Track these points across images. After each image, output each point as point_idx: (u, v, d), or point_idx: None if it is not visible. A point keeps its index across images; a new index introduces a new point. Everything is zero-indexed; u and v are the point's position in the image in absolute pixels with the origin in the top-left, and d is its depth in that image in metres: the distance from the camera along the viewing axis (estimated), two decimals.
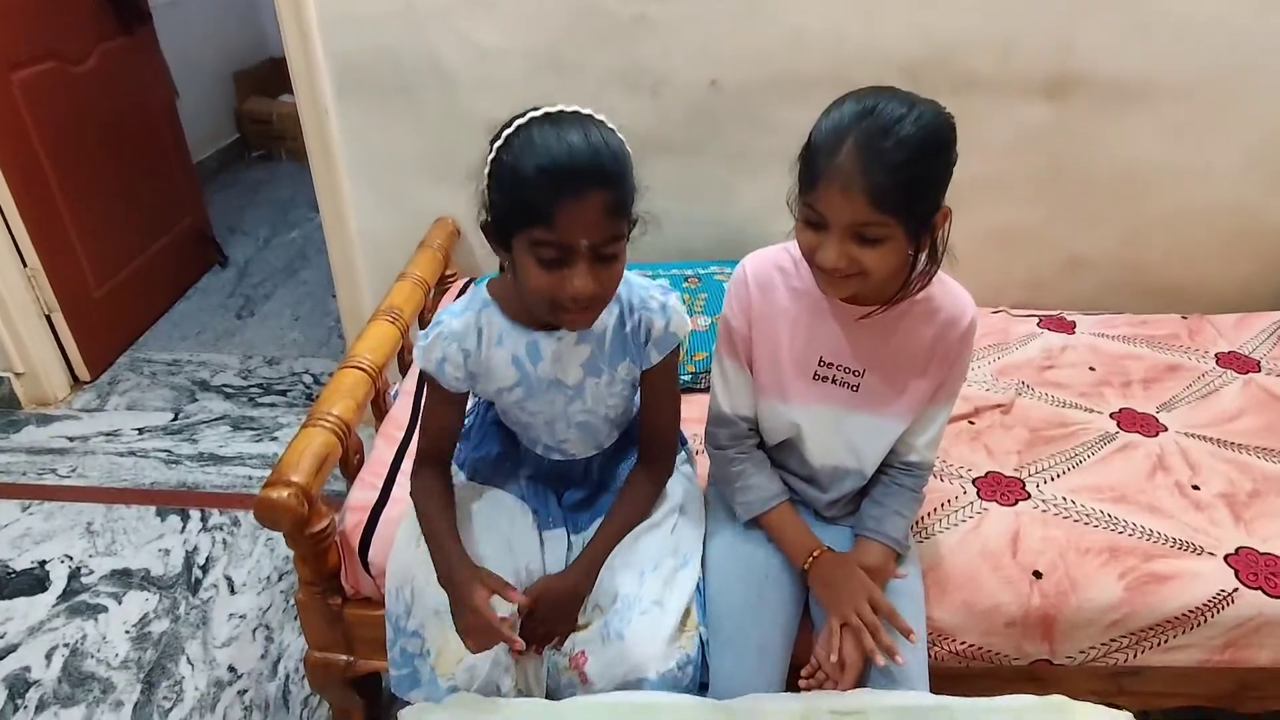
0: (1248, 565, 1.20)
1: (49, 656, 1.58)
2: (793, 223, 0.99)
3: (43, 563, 1.79)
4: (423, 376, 1.08)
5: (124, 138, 2.55)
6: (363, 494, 1.28)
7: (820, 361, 1.09)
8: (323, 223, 2.00)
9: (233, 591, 1.73)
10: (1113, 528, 1.26)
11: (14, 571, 1.76)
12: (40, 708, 1.48)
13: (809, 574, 1.08)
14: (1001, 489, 1.34)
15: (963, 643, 1.19)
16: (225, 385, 2.41)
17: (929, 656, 1.09)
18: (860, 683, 1.01)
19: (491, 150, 0.89)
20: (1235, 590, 1.17)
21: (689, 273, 1.76)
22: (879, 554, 1.09)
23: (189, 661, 1.57)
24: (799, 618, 1.13)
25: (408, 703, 1.05)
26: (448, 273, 1.86)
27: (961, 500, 1.31)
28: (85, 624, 1.65)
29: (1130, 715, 0.96)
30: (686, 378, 1.52)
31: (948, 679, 1.10)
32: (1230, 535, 1.26)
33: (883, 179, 0.87)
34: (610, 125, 0.90)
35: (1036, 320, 1.83)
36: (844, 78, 1.00)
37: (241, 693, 1.52)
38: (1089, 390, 1.60)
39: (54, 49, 2.25)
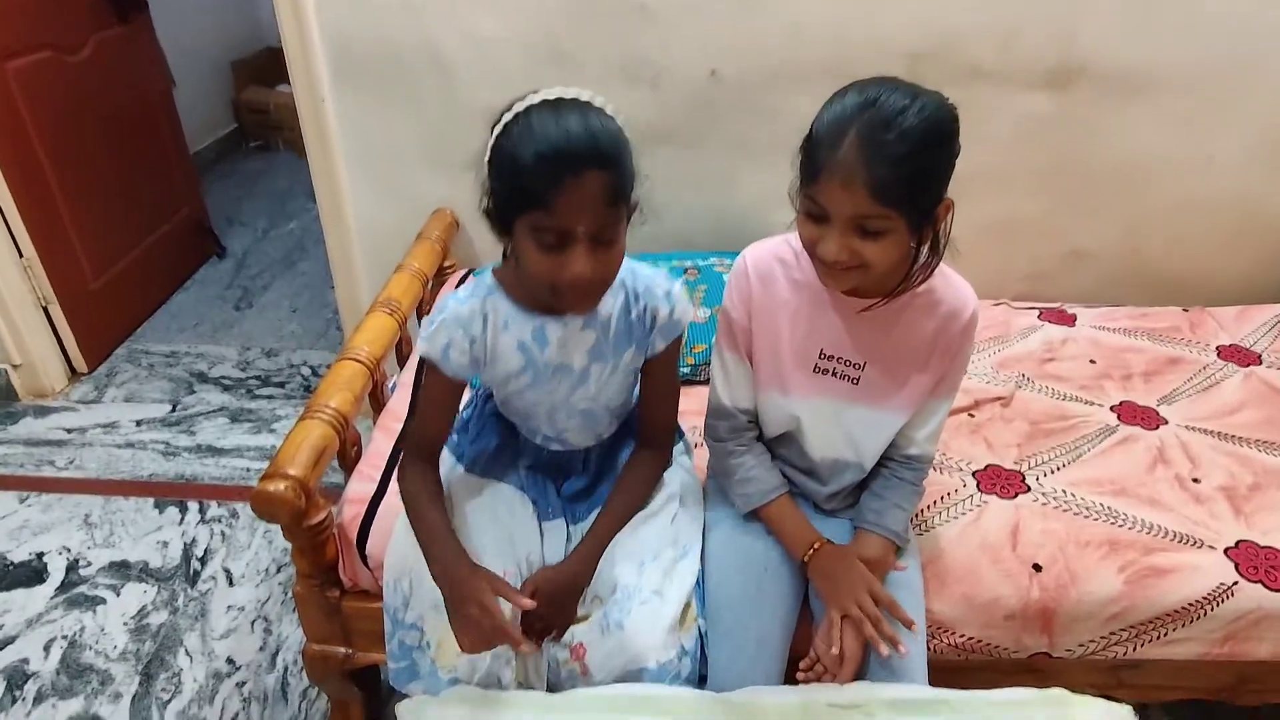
0: (1248, 558, 1.20)
1: (47, 648, 1.58)
2: (793, 214, 0.98)
3: (41, 554, 1.78)
4: (422, 365, 1.07)
5: (120, 128, 2.53)
6: (360, 486, 1.27)
7: (821, 354, 1.08)
8: (320, 214, 1.99)
9: (231, 583, 1.72)
10: (1113, 521, 1.26)
11: (12, 563, 1.76)
12: (39, 699, 1.48)
13: (808, 567, 1.07)
14: (1001, 482, 1.34)
15: (962, 635, 1.19)
16: (223, 377, 2.41)
17: (928, 649, 1.09)
18: (859, 676, 1.01)
19: (492, 136, 0.89)
20: (1235, 583, 1.17)
21: (688, 264, 1.75)
22: (878, 547, 1.09)
23: (187, 653, 1.57)
24: (798, 610, 1.13)
25: (406, 695, 1.05)
26: (446, 264, 1.85)
27: (961, 493, 1.31)
28: (83, 616, 1.65)
29: (1129, 708, 0.96)
30: (685, 370, 1.51)
31: (946, 672, 1.10)
32: (1230, 528, 1.26)
33: (885, 171, 0.86)
34: (610, 111, 0.90)
35: (1037, 313, 1.82)
36: (845, 69, 0.99)
37: (240, 684, 1.52)
38: (1089, 383, 1.59)
39: (49, 38, 2.24)
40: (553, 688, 1.04)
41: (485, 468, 1.18)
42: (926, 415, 1.12)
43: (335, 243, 2.02)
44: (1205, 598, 1.17)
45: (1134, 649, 1.20)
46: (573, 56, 1.72)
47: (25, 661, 1.55)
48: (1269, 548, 1.22)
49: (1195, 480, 1.35)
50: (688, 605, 1.07)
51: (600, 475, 1.20)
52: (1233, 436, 1.45)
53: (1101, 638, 1.19)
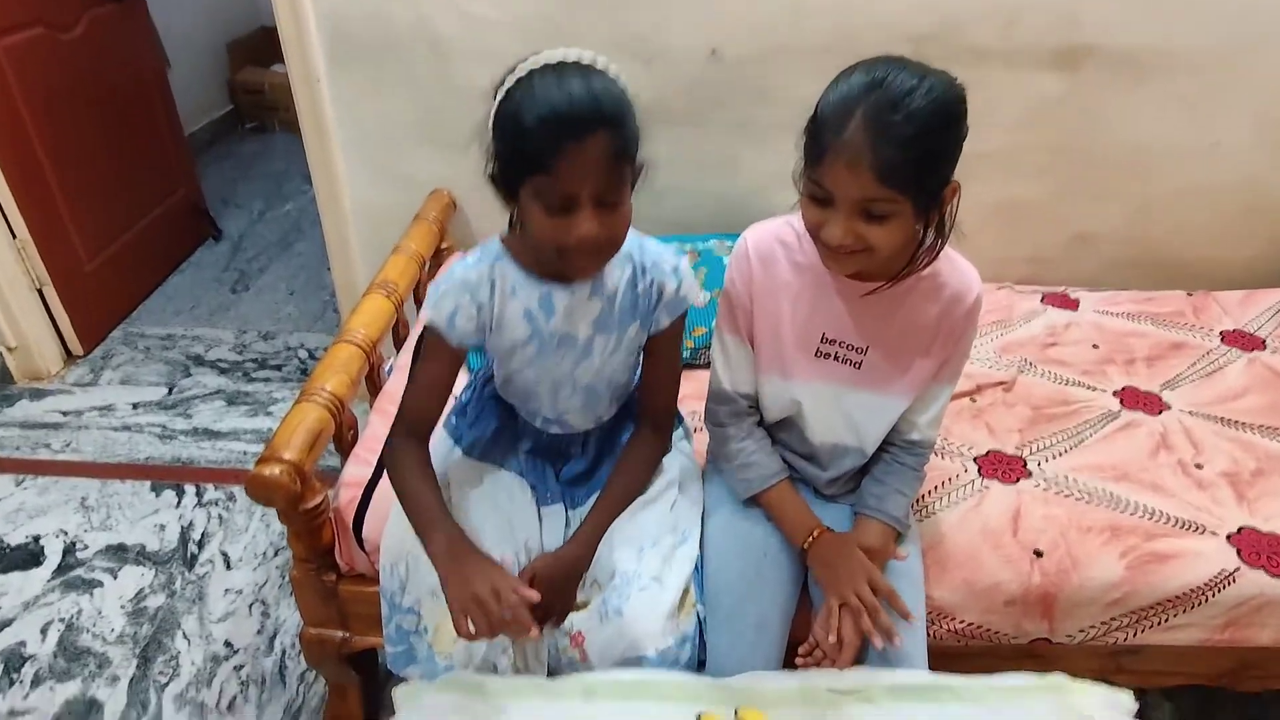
0: (1250, 545, 1.19)
1: (44, 631, 1.57)
2: (796, 197, 0.96)
3: (37, 537, 1.78)
4: (422, 337, 1.05)
5: (114, 107, 2.50)
6: (357, 470, 1.26)
7: (823, 338, 1.07)
8: (316, 196, 1.97)
9: (229, 567, 1.72)
10: (1114, 507, 1.25)
11: (8, 546, 1.76)
12: (36, 682, 1.48)
13: (808, 554, 1.07)
14: (1003, 467, 1.33)
15: (962, 621, 1.18)
16: (220, 360, 2.39)
17: (928, 635, 1.08)
18: (858, 661, 1.00)
19: (495, 101, 0.89)
20: (1237, 570, 1.16)
21: (688, 247, 1.73)
22: (879, 533, 1.08)
23: (185, 636, 1.57)
24: (797, 595, 1.12)
25: (404, 679, 1.05)
26: (443, 245, 1.84)
27: (962, 478, 1.30)
28: (81, 599, 1.64)
29: (1129, 693, 0.95)
30: (685, 353, 1.50)
31: (946, 657, 1.10)
32: (1233, 514, 1.25)
33: (892, 154, 0.84)
34: (613, 73, 0.89)
35: (1040, 296, 1.81)
36: (848, 48, 0.97)
37: (238, 668, 1.52)
38: (1092, 368, 1.58)
39: (41, 14, 2.20)
40: (552, 674, 1.04)
41: (484, 452, 1.17)
42: (929, 400, 1.10)
43: (331, 225, 2.00)
44: (1207, 584, 1.16)
45: (1135, 635, 1.19)
46: (569, 35, 1.69)
47: (22, 644, 1.55)
48: (1271, 534, 1.21)
49: (1198, 466, 1.34)
50: (686, 591, 1.06)
51: (599, 459, 1.19)
52: (1236, 422, 1.44)
53: (1102, 623, 1.19)
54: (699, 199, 1.82)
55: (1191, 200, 1.85)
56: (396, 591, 1.07)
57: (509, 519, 1.09)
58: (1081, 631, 1.19)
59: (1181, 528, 1.22)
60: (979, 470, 1.32)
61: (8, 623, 1.59)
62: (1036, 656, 1.22)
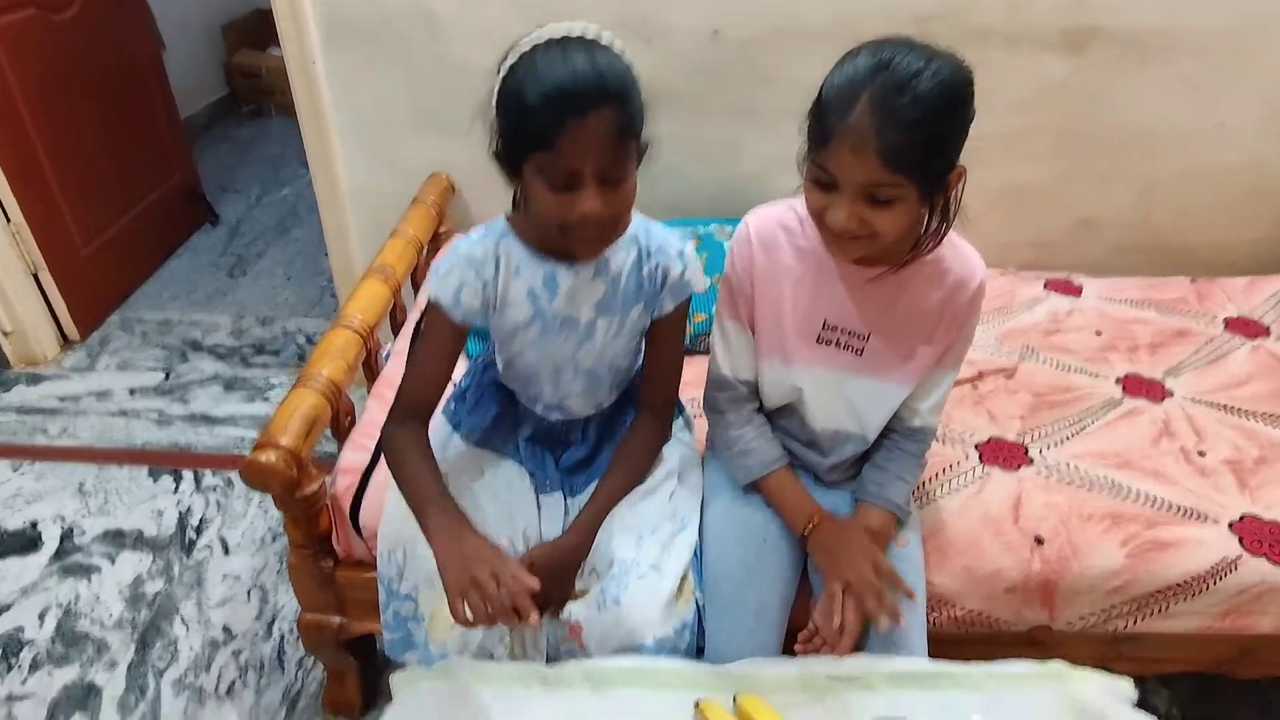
0: (1252, 532, 1.19)
1: (42, 616, 1.57)
2: (798, 181, 0.95)
3: (34, 523, 1.77)
4: (422, 319, 1.04)
5: (109, 90, 2.47)
6: (354, 456, 1.25)
7: (824, 324, 1.06)
8: (313, 180, 1.95)
9: (227, 552, 1.71)
10: (1116, 494, 1.25)
11: (6, 531, 1.75)
12: (34, 667, 1.48)
13: (809, 540, 1.06)
14: (1004, 454, 1.32)
15: (962, 609, 1.18)
16: (217, 345, 2.38)
17: (928, 622, 1.08)
18: (857, 648, 1.00)
19: (499, 76, 0.88)
20: (1239, 557, 1.16)
21: (687, 231, 1.72)
22: (880, 520, 1.07)
23: (183, 622, 1.57)
24: (797, 582, 1.11)
25: (402, 664, 1.05)
26: (441, 229, 1.82)
27: (964, 465, 1.30)
28: (78, 584, 1.64)
29: (1129, 681, 0.95)
30: (685, 340, 1.48)
31: (946, 644, 1.09)
32: (1235, 502, 1.24)
33: (898, 138, 0.83)
34: (618, 48, 0.88)
35: (1043, 282, 1.80)
36: (852, 30, 0.95)
37: (237, 653, 1.51)
38: (1095, 355, 1.57)
39: None
40: (550, 662, 1.03)
41: (482, 439, 1.16)
42: (931, 387, 1.09)
43: (329, 209, 1.99)
44: (1208, 571, 1.16)
45: (1135, 622, 1.19)
46: (567, 14, 1.64)
47: (20, 630, 1.54)
48: (1273, 522, 1.21)
49: (1200, 453, 1.33)
50: (684, 579, 1.05)
51: (599, 446, 1.18)
52: (1239, 409, 1.43)
53: (1102, 611, 1.18)
54: (699, 183, 1.80)
55: (1196, 182, 1.83)
56: (394, 578, 1.07)
57: (507, 507, 1.09)
58: (1082, 619, 1.19)
59: (1183, 515, 1.21)
60: (980, 457, 1.32)
61: (5, 608, 1.59)
62: (1036, 643, 1.22)
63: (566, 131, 0.82)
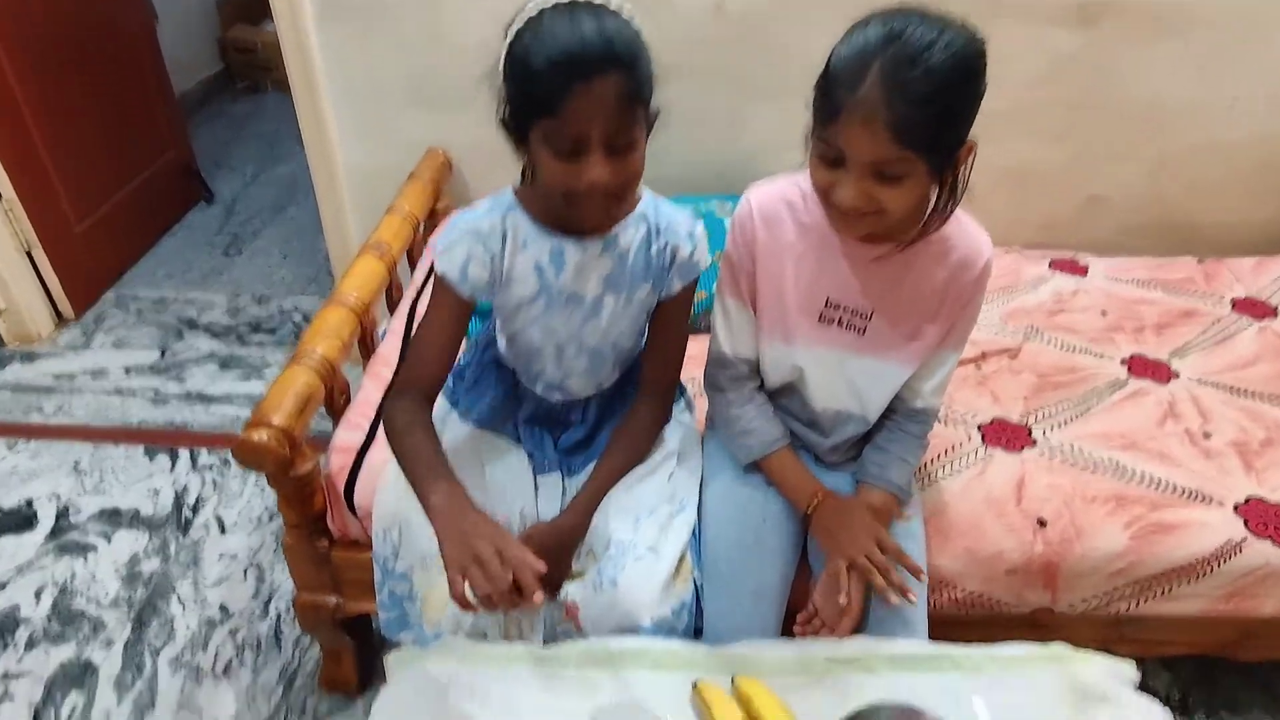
0: (1257, 515, 1.18)
1: (38, 595, 1.56)
2: (801, 158, 0.92)
3: (30, 501, 1.76)
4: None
5: (101, 65, 2.43)
6: (348, 435, 1.24)
7: (827, 302, 1.04)
8: (308, 156, 1.92)
9: (223, 531, 1.71)
10: (1120, 476, 1.23)
11: (1, 510, 1.74)
12: (30, 645, 1.47)
13: (811, 519, 1.05)
14: (1007, 435, 1.31)
15: (963, 590, 1.17)
16: (213, 324, 2.36)
17: (928, 604, 1.07)
18: (857, 630, 0.99)
19: (505, 42, 0.86)
20: (1244, 540, 1.15)
21: (688, 208, 1.69)
22: (881, 501, 1.06)
23: (180, 601, 1.56)
24: (796, 563, 1.10)
25: (399, 643, 1.04)
26: (439, 206, 1.79)
27: (966, 446, 1.28)
28: (74, 563, 1.63)
29: (1131, 663, 0.94)
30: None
31: (946, 625, 1.08)
32: (1240, 484, 1.23)
33: (909, 112, 0.80)
34: (626, 14, 0.86)
35: (1048, 262, 1.77)
36: (858, 3, 0.92)
37: (233, 632, 1.51)
38: (1100, 335, 1.55)
39: None
40: (546, 644, 1.02)
41: (481, 418, 1.15)
42: (934, 367, 1.07)
43: (324, 187, 1.96)
44: (1212, 554, 1.14)
45: (1137, 605, 1.18)
46: None
47: (16, 608, 1.54)
48: (1279, 504, 1.19)
49: (1206, 435, 1.32)
50: (682, 560, 1.04)
51: (599, 427, 1.17)
52: (1245, 391, 1.41)
53: (1105, 593, 1.17)
54: (700, 159, 1.77)
55: (1207, 159, 1.80)
56: (389, 557, 1.06)
57: (504, 487, 1.08)
58: (1084, 601, 1.18)
59: (1188, 498, 1.20)
60: (983, 438, 1.30)
61: (1, 586, 1.58)
62: (1037, 625, 1.21)
63: (572, 97, 0.81)
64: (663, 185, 1.07)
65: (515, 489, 1.09)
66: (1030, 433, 1.31)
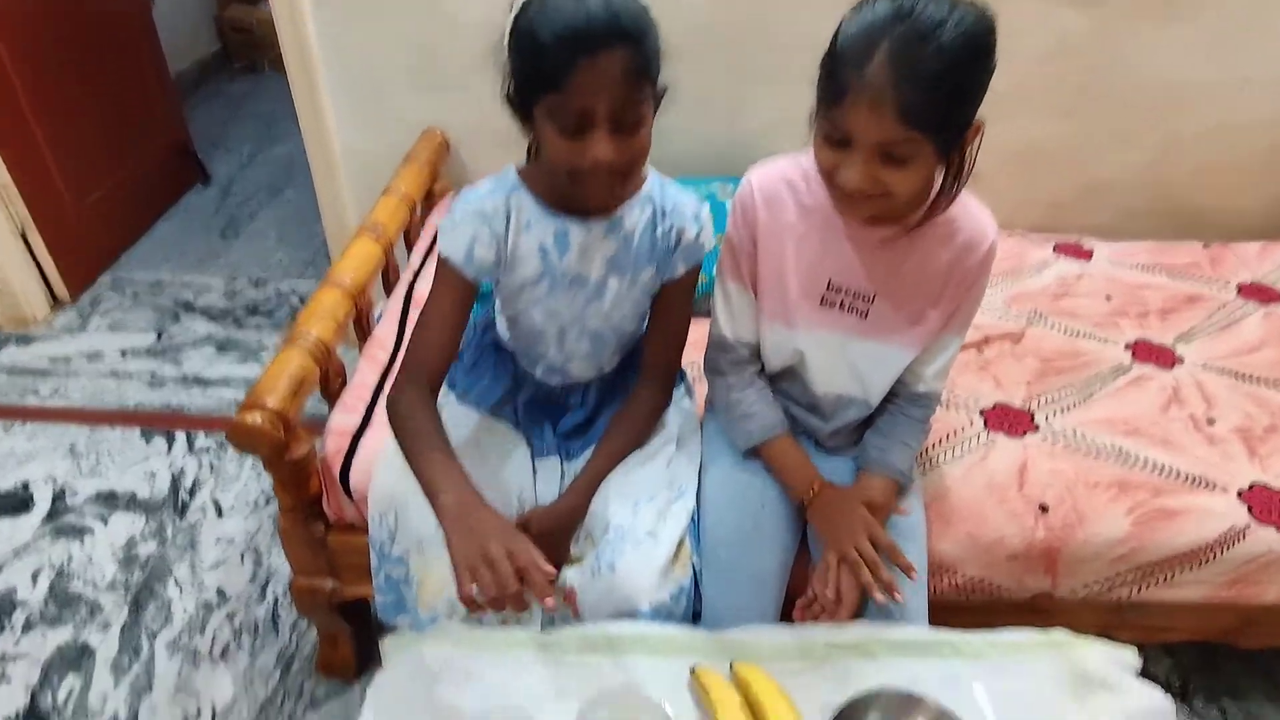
0: (1261, 501, 1.17)
1: (35, 577, 1.56)
2: (805, 139, 0.90)
3: (26, 484, 1.75)
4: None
5: (96, 45, 2.40)
6: (344, 418, 1.23)
7: (829, 285, 1.02)
8: (304, 137, 1.90)
9: (220, 515, 1.70)
10: (1123, 462, 1.22)
11: None
12: (27, 627, 1.47)
13: (809, 508, 1.04)
14: (1010, 420, 1.29)
15: (964, 575, 1.16)
16: (210, 306, 2.34)
17: (928, 589, 1.06)
18: (857, 615, 0.98)
19: (511, 14, 0.84)
20: (1247, 527, 1.14)
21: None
22: (881, 487, 1.05)
23: (177, 584, 1.56)
24: (795, 548, 1.09)
25: (396, 627, 1.03)
26: (436, 186, 1.77)
27: (968, 431, 1.27)
28: (71, 545, 1.62)
29: (1133, 650, 0.93)
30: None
31: (945, 610, 1.07)
32: (1244, 470, 1.22)
33: (918, 93, 0.78)
34: None
35: (1052, 246, 1.75)
36: None
37: (231, 615, 1.51)
38: (1104, 320, 1.54)
39: None
40: (544, 628, 1.01)
41: (479, 400, 1.14)
42: (937, 351, 1.06)
43: (320, 168, 1.94)
44: (1215, 541, 1.14)
45: (1139, 591, 1.17)
46: None
47: (13, 590, 1.53)
48: None
49: (1210, 421, 1.30)
50: (681, 544, 1.03)
51: (598, 411, 1.16)
52: (1250, 376, 1.40)
53: (1106, 579, 1.17)
54: (701, 141, 1.75)
55: (1216, 142, 1.78)
56: (385, 541, 1.05)
57: (502, 470, 1.07)
58: (1085, 587, 1.17)
59: (1191, 484, 1.19)
60: (985, 423, 1.29)
61: None
62: (1038, 611, 1.20)
63: (578, 71, 0.79)
64: (663, 167, 1.05)
65: (513, 472, 1.08)
66: (1033, 418, 1.30)
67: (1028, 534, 1.14)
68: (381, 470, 1.07)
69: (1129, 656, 0.93)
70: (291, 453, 1.10)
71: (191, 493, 1.75)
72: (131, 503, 1.72)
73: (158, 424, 1.92)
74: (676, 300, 1.08)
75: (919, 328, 1.03)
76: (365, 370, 1.33)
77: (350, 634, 1.34)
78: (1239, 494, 1.18)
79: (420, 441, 0.94)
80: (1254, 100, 1.72)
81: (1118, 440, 1.26)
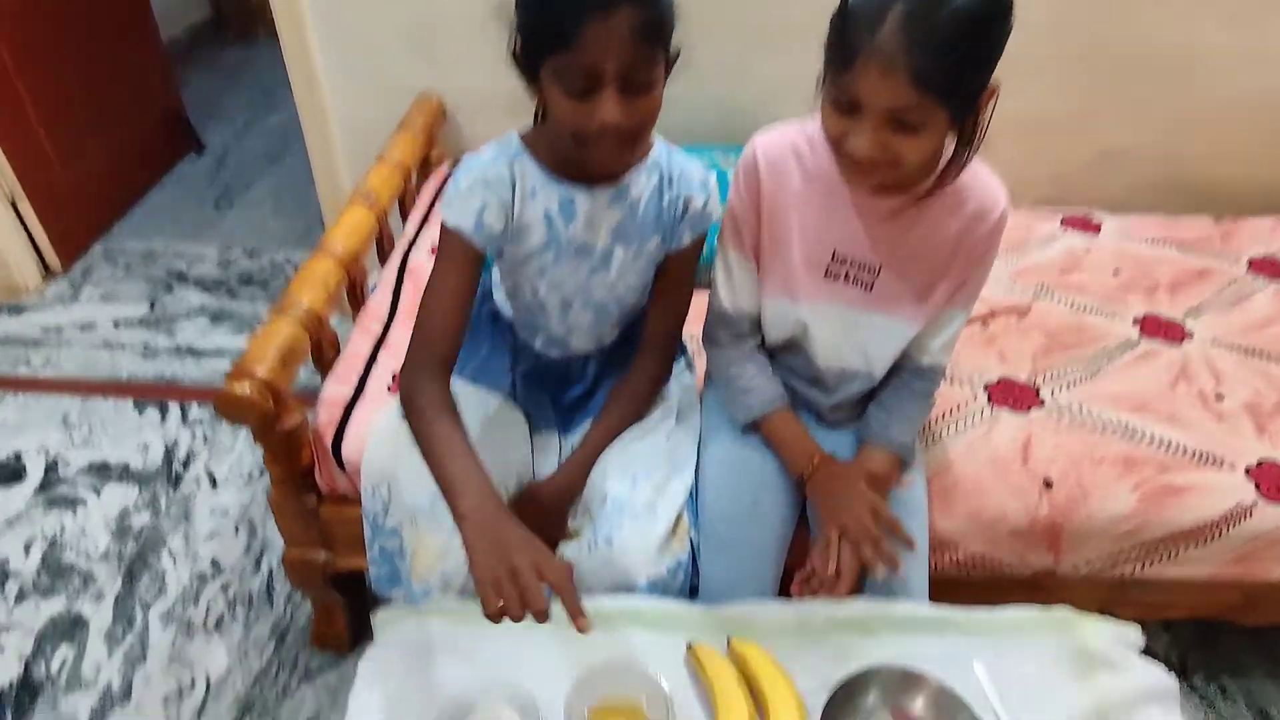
0: (1270, 478, 1.15)
1: (28, 548, 1.55)
2: (810, 106, 0.87)
3: (18, 454, 1.74)
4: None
5: (84, 9, 2.34)
6: (336, 389, 1.21)
7: (833, 256, 0.99)
8: (297, 106, 1.86)
9: (214, 486, 1.68)
10: (1129, 438, 1.20)
11: None
12: (20, 598, 1.46)
13: (808, 483, 1.01)
14: (1014, 395, 1.27)
15: (965, 551, 1.15)
16: (203, 277, 2.31)
17: (929, 565, 1.04)
18: (857, 591, 0.96)
19: None
20: (1254, 504, 1.12)
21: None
22: (883, 461, 1.03)
23: (170, 555, 1.55)
24: (794, 523, 1.08)
25: (390, 598, 1.02)
26: (432, 154, 1.73)
27: (972, 406, 1.25)
28: (64, 516, 1.61)
29: (1136, 628, 0.92)
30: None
31: (946, 586, 1.06)
32: (1252, 447, 1.20)
33: (931, 59, 0.74)
34: None
35: (1060, 219, 1.72)
36: None
37: (225, 587, 1.50)
38: (1112, 294, 1.51)
39: None
40: None
41: (476, 373, 1.11)
42: (942, 324, 1.03)
43: (314, 135, 1.90)
44: (1222, 518, 1.12)
45: (1143, 568, 1.16)
46: None
47: (5, 561, 1.52)
48: None
49: (1219, 397, 1.28)
50: (679, 519, 1.02)
51: (597, 385, 1.14)
52: (1260, 352, 1.38)
53: (1110, 556, 1.15)
54: (702, 108, 1.70)
55: (1231, 113, 1.74)
56: (379, 513, 1.03)
57: (499, 445, 1.04)
58: (1088, 563, 1.16)
59: (1198, 460, 1.17)
60: (989, 398, 1.27)
61: None
62: (1039, 588, 1.19)
63: (586, 28, 0.76)
64: (664, 135, 1.02)
65: (511, 446, 1.06)
66: (1038, 393, 1.28)
67: (1031, 510, 1.12)
68: (374, 442, 1.05)
69: (1133, 634, 0.91)
70: (282, 424, 1.08)
71: (185, 464, 1.73)
72: (125, 474, 1.70)
73: (151, 395, 1.90)
74: (680, 271, 1.05)
75: (925, 300, 1.00)
76: (359, 340, 1.31)
77: (345, 606, 1.33)
78: (1247, 470, 1.16)
79: (440, 443, 0.88)
80: (1270, 71, 1.68)
81: (1124, 416, 1.24)
